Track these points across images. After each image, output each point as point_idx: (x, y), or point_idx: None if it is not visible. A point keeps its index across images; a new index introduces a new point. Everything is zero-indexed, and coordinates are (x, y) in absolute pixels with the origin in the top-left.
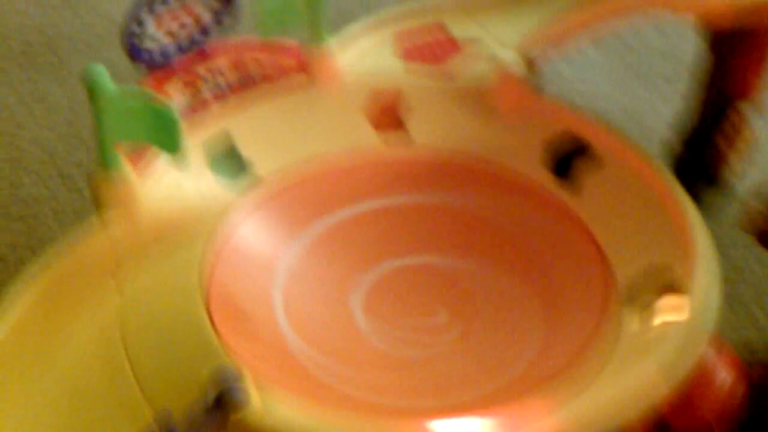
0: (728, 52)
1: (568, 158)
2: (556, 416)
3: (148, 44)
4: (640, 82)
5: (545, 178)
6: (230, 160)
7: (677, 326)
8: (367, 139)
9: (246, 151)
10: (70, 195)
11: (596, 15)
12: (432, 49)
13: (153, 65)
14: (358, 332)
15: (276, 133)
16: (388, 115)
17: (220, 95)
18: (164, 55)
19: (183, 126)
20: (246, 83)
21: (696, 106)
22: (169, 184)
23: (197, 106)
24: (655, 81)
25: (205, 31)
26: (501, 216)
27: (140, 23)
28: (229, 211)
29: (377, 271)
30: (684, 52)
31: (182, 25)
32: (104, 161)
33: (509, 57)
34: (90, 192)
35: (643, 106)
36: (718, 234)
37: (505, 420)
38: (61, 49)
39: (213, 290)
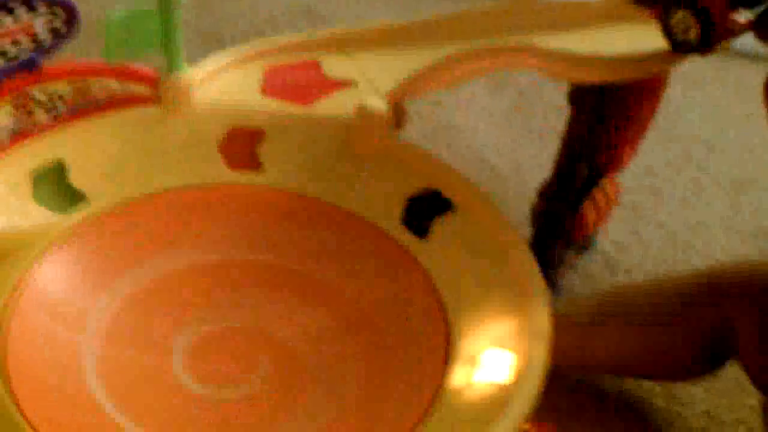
0: (599, 122)
1: (429, 216)
2: None
3: None
4: (533, 138)
5: (401, 234)
6: (60, 191)
7: (500, 388)
8: (218, 177)
9: (79, 182)
10: None
11: (473, 68)
12: (300, 89)
13: None
14: (180, 393)
15: (116, 165)
16: (245, 154)
17: (59, 121)
18: None
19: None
20: (89, 109)
21: (566, 171)
22: None
23: (29, 130)
24: (548, 138)
25: (42, 49)
26: (343, 275)
27: None
28: (41, 253)
29: (200, 330)
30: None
31: (15, 42)
32: None
33: (379, 104)
34: None
35: (532, 163)
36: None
37: None
38: None
39: (11, 354)
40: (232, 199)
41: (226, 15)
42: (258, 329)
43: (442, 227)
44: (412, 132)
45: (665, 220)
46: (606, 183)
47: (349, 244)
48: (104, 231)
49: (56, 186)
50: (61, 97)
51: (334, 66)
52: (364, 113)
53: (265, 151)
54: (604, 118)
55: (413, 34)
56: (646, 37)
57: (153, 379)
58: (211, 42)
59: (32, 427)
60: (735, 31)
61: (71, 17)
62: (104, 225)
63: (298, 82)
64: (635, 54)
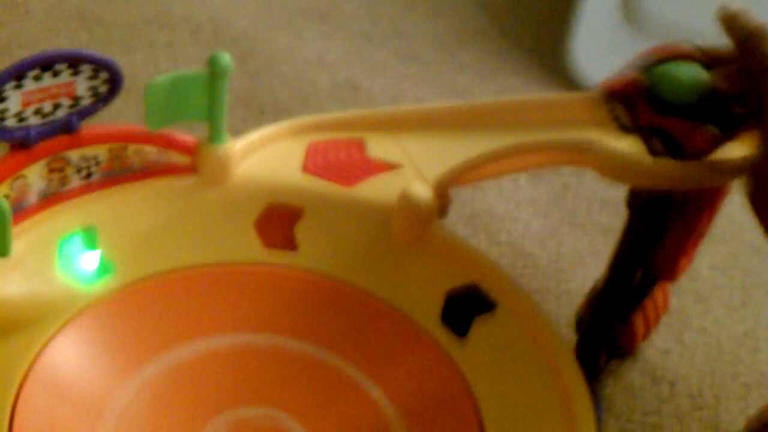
0: (658, 230)
1: (469, 314)
2: None
3: (11, 122)
4: (573, 229)
5: (438, 332)
6: (87, 260)
7: None
8: (252, 255)
9: (108, 251)
10: None
11: (526, 162)
12: (343, 168)
13: (14, 144)
14: None
15: (147, 236)
16: (281, 232)
17: (93, 186)
18: (29, 134)
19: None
20: (124, 176)
21: (618, 279)
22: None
23: (62, 195)
24: (589, 230)
25: (83, 113)
26: (375, 371)
27: (2, 98)
28: (60, 329)
29: (217, 422)
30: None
31: (56, 105)
32: None
33: (424, 192)
34: None
35: (572, 255)
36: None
37: None
38: None
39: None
40: (265, 280)
41: (270, 85)
42: (285, 426)
43: (482, 328)
44: (450, 216)
45: (710, 327)
46: (657, 292)
47: (384, 338)
48: (127, 310)
49: (83, 254)
50: (97, 162)
51: (379, 147)
52: (408, 201)
53: (302, 231)
54: (665, 227)
55: (461, 118)
56: None
57: None
58: (254, 111)
59: None
60: (708, 145)
61: (114, 80)
62: (128, 303)
63: (340, 162)
64: (703, 163)
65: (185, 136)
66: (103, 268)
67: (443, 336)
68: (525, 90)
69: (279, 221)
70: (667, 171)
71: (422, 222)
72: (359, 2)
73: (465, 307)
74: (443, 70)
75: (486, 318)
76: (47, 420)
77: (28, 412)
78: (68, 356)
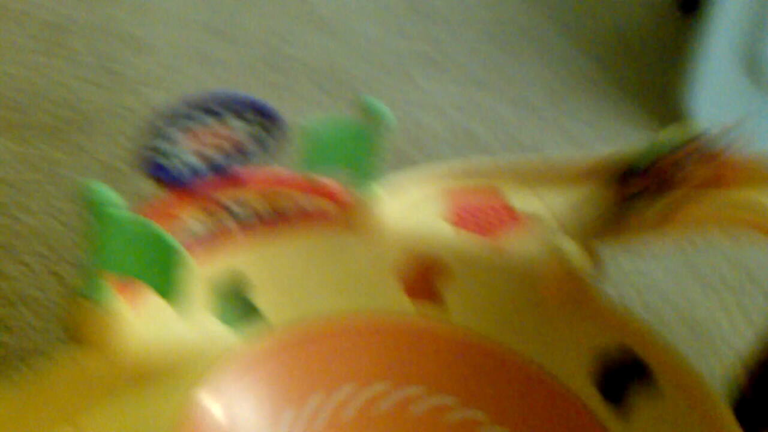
0: None
1: (622, 380)
2: None
3: (172, 162)
4: (701, 288)
5: (589, 397)
6: (237, 304)
7: None
8: (397, 305)
9: (258, 296)
10: (59, 298)
11: (671, 224)
12: (484, 217)
13: (173, 186)
14: None
15: (296, 284)
16: (425, 283)
17: (244, 228)
18: (188, 176)
19: (189, 268)
20: (275, 219)
21: None
22: (160, 323)
23: (214, 236)
24: (718, 289)
25: (243, 156)
26: None
27: (167, 138)
28: (218, 367)
29: None
30: (754, 264)
31: (217, 147)
32: (88, 288)
33: (570, 245)
34: (66, 320)
35: (701, 314)
36: None
37: None
38: (91, 130)
39: None
40: (410, 332)
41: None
42: None
43: (640, 399)
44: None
45: None
46: None
47: (531, 400)
48: (274, 360)
49: (234, 300)
50: (252, 208)
51: (516, 195)
52: (559, 257)
53: (447, 284)
54: None
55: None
56: None
57: None
58: None
59: None
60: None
61: (277, 129)
62: (275, 353)
63: (482, 212)
64: None
65: (334, 185)
66: (252, 315)
67: (595, 402)
68: (634, 136)
69: (425, 273)
70: None
71: (572, 279)
72: (470, 49)
73: (620, 373)
74: (554, 116)
75: (645, 388)
76: None
77: None
78: (215, 407)
